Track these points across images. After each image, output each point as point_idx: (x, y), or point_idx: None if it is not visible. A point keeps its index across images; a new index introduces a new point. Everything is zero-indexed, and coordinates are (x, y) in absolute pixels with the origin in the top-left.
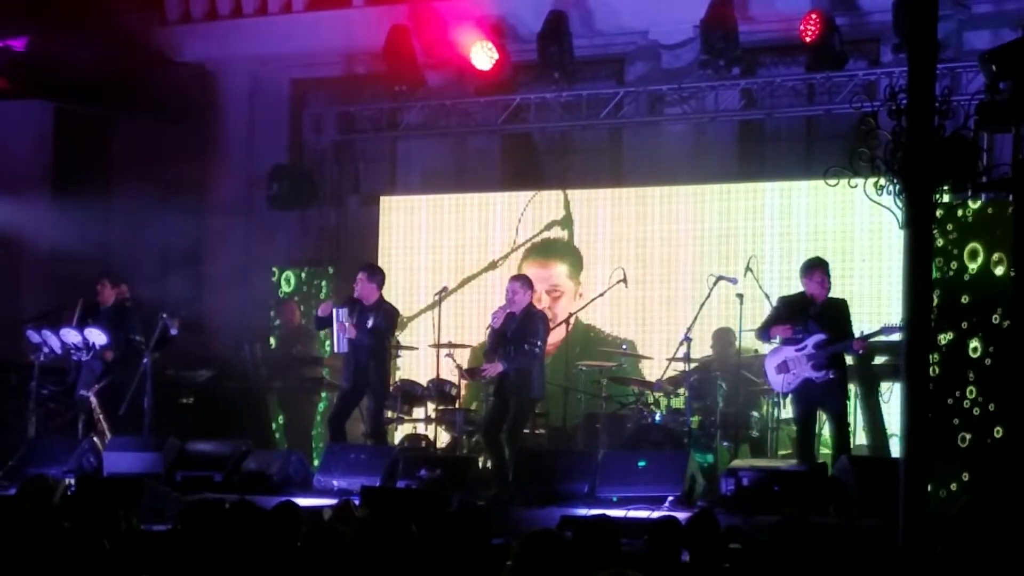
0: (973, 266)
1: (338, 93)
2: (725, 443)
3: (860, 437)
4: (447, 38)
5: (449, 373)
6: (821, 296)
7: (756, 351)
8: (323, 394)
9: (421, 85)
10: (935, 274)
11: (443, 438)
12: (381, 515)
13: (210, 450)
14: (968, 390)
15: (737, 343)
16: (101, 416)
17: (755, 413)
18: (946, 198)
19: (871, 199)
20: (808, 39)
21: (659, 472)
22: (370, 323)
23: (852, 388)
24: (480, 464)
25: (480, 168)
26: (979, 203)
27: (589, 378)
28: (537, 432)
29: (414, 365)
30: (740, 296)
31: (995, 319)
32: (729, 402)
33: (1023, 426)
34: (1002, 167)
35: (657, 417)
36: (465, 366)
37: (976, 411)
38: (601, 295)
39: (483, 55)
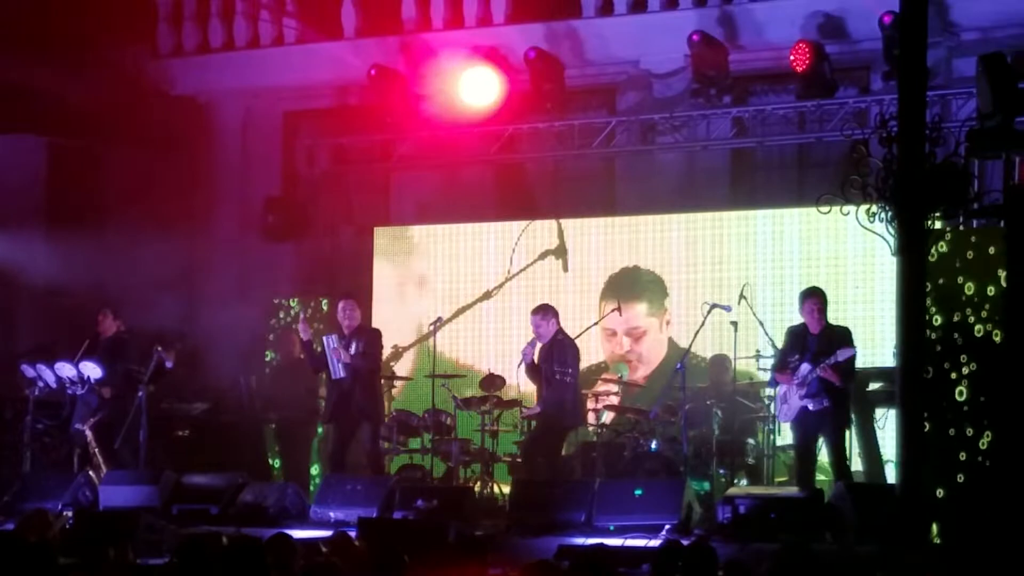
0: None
1: (331, 124)
2: (721, 470)
3: (855, 463)
4: (438, 69)
5: (444, 403)
6: (815, 325)
7: (751, 378)
8: (319, 427)
9: (413, 117)
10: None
11: (439, 468)
12: (379, 546)
13: (206, 483)
14: (958, 392)
15: (732, 370)
16: (96, 450)
17: (751, 440)
18: (938, 224)
19: (863, 226)
20: (798, 68)
21: (656, 500)
22: (353, 348)
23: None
24: (476, 494)
25: (473, 198)
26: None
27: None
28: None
29: (410, 395)
30: (734, 324)
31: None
32: (725, 429)
33: (1015, 435)
34: (993, 193)
35: (653, 445)
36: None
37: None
38: (595, 324)
39: (476, 87)
